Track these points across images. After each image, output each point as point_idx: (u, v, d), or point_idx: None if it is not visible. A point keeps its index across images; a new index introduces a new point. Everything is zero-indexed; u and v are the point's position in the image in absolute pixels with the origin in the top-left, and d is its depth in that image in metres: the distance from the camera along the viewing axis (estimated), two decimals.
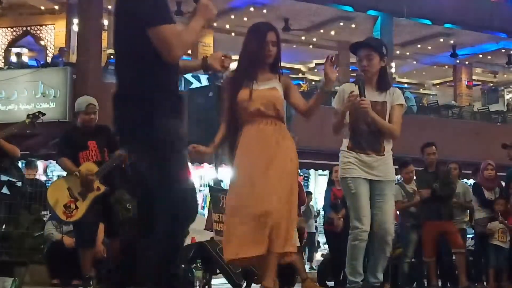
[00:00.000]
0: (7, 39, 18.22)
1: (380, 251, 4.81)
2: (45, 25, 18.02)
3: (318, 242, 14.58)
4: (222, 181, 8.71)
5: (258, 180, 4.03)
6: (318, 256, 13.58)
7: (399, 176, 7.74)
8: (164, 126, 3.03)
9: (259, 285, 4.08)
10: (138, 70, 3.07)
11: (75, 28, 16.85)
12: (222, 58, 3.68)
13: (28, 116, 6.42)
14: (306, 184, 16.90)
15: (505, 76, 25.26)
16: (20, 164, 8.73)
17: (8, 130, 6.57)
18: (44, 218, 7.99)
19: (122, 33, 3.15)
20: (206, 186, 13.36)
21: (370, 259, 4.98)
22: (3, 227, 7.59)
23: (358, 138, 4.77)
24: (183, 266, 6.76)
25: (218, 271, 7.07)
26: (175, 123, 3.09)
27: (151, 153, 3.08)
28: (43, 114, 6.41)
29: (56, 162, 6.73)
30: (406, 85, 24.89)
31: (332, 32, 19.98)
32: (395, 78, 21.36)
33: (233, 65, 4.07)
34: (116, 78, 3.19)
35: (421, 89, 26.26)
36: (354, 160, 4.75)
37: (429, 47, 21.42)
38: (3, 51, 18.17)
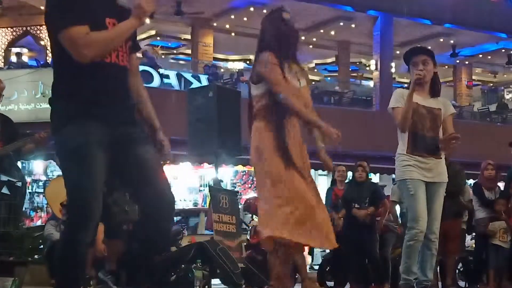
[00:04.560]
0: (7, 39, 18.20)
1: (426, 249, 4.99)
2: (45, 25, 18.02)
3: None
4: (222, 181, 8.70)
5: (306, 177, 4.24)
6: (318, 256, 13.56)
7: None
8: (60, 132, 3.04)
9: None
10: (54, 75, 3.10)
11: None
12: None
13: None
14: None
15: (505, 76, 25.28)
16: (19, 164, 8.71)
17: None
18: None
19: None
20: (206, 186, 13.41)
21: (419, 258, 5.11)
22: (3, 227, 7.58)
23: (419, 143, 4.94)
24: (183, 266, 6.76)
25: (218, 271, 7.06)
26: (73, 129, 3.00)
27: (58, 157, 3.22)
28: None
29: None
30: (406, 85, 24.89)
31: (332, 32, 19.99)
32: (395, 78, 21.36)
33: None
34: None
35: None
36: (413, 163, 4.93)
37: (429, 47, 21.34)
38: (3, 51, 18.16)
